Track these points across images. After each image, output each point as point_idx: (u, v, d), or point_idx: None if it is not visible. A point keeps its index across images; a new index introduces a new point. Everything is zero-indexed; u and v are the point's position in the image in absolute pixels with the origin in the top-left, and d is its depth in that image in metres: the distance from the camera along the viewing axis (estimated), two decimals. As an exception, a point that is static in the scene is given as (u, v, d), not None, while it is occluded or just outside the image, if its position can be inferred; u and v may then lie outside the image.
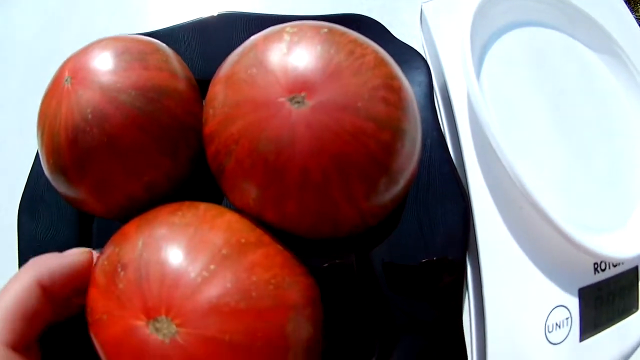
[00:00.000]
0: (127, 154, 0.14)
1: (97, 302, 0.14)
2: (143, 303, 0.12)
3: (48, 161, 0.15)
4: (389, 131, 0.13)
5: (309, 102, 0.13)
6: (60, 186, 0.16)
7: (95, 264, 0.15)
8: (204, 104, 0.15)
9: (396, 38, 0.19)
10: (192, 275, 0.12)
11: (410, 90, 0.15)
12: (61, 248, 0.16)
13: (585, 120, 0.20)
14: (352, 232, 0.15)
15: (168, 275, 0.12)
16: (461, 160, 0.19)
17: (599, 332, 0.19)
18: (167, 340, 0.12)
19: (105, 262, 0.14)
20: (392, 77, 0.14)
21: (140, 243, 0.13)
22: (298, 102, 0.13)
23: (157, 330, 0.12)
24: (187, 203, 0.15)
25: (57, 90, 0.15)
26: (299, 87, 0.13)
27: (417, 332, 0.17)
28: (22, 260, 0.20)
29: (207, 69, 0.18)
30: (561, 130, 0.19)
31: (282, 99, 0.13)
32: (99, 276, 0.14)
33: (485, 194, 0.18)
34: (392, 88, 0.14)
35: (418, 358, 0.17)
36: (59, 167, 0.15)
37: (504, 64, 0.20)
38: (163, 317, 0.12)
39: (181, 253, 0.13)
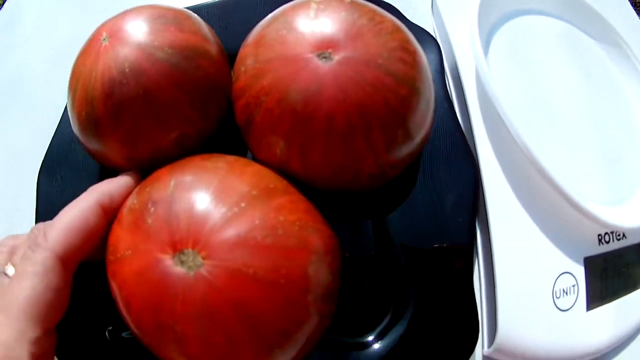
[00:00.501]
0: (161, 106, 0.16)
1: (122, 240, 0.14)
2: (170, 236, 0.13)
3: (79, 115, 0.16)
4: (406, 87, 0.15)
5: (335, 57, 0.14)
6: (90, 139, 0.17)
7: (122, 206, 0.15)
8: (233, 65, 0.17)
9: (409, 20, 0.21)
10: (222, 210, 0.13)
11: (424, 56, 0.16)
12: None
13: (589, 100, 0.21)
14: (371, 185, 0.16)
15: (197, 210, 0.13)
16: (470, 133, 0.20)
17: (606, 303, 0.20)
18: (191, 273, 0.13)
19: (135, 201, 0.15)
20: (408, 41, 0.16)
21: (172, 183, 0.14)
22: (325, 58, 0.14)
23: (182, 263, 0.13)
24: (217, 154, 0.16)
25: (93, 49, 0.16)
26: (326, 45, 0.14)
27: (429, 293, 0.18)
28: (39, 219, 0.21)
29: (230, 45, 0.19)
30: (566, 108, 0.21)
31: (310, 55, 0.14)
32: (126, 215, 0.15)
33: (494, 164, 0.20)
34: (408, 51, 0.15)
35: (430, 318, 0.18)
36: (92, 119, 0.16)
37: (509, 47, 0.21)
38: (189, 250, 0.13)
39: (212, 192, 0.14)
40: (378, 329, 0.18)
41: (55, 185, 0.21)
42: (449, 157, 0.19)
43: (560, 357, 0.19)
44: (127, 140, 0.16)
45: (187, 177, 0.14)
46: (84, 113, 0.16)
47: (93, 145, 0.17)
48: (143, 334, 0.14)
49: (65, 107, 0.22)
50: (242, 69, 0.16)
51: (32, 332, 0.14)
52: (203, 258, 0.13)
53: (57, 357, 0.19)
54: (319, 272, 0.14)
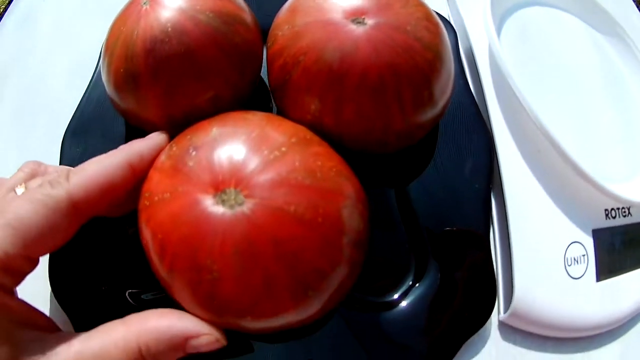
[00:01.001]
0: (202, 65, 0.17)
1: (159, 184, 0.15)
2: (212, 177, 0.14)
3: (117, 71, 0.17)
4: (431, 52, 0.16)
5: (368, 22, 0.16)
6: (126, 96, 0.18)
7: (157, 158, 0.16)
8: (268, 33, 0.18)
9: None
10: (264, 153, 0.14)
11: (444, 29, 0.18)
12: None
13: (594, 84, 0.23)
14: (396, 144, 0.17)
15: (240, 153, 0.14)
16: (485, 108, 0.22)
17: (614, 276, 0.21)
18: (232, 211, 0.13)
19: (175, 148, 0.15)
20: (431, 14, 0.18)
21: (214, 130, 0.15)
22: (359, 22, 0.16)
23: (223, 202, 0.13)
24: (253, 110, 0.17)
25: (133, 12, 0.17)
26: (359, 12, 0.16)
27: (448, 258, 0.19)
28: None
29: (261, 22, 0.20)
30: (575, 88, 0.23)
31: (345, 20, 0.16)
32: (164, 161, 0.15)
33: (508, 137, 0.21)
34: (432, 21, 0.17)
35: (449, 282, 0.19)
36: (130, 75, 0.17)
37: (519, 35, 0.24)
38: (231, 189, 0.13)
39: (254, 138, 0.15)
40: (399, 292, 0.19)
41: (79, 150, 0.22)
42: (464, 128, 0.21)
43: (572, 325, 0.20)
44: (164, 96, 0.17)
45: (229, 126, 0.15)
46: (122, 70, 0.17)
47: (128, 102, 0.18)
48: (176, 278, 0.14)
49: (93, 74, 0.23)
50: (279, 33, 0.17)
51: (8, 246, 0.14)
52: (245, 197, 0.13)
53: (75, 322, 0.19)
54: (352, 217, 0.14)
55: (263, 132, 0.15)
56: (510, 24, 0.24)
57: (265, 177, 0.14)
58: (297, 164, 0.14)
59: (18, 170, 0.17)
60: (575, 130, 0.22)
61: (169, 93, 0.17)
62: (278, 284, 0.13)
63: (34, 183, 0.16)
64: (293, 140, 0.15)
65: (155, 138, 0.17)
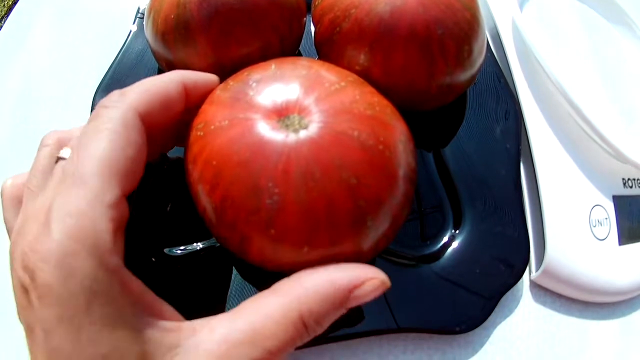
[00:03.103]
0: (253, 13, 0.19)
1: (217, 114, 0.15)
2: (276, 104, 0.15)
3: (167, 18, 0.19)
4: (470, 12, 0.19)
5: (415, -19, 0.18)
6: (175, 44, 0.19)
7: (211, 93, 0.16)
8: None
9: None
10: (326, 85, 0.16)
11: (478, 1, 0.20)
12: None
13: (617, 57, 0.26)
14: (437, 99, 0.20)
15: (303, 84, 0.15)
16: (510, 78, 0.24)
17: (634, 242, 0.23)
18: (295, 135, 0.14)
19: (231, 83, 0.16)
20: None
21: (273, 66, 0.16)
22: (406, -19, 0.18)
23: (286, 126, 0.14)
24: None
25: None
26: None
27: (483, 216, 0.21)
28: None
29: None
30: (596, 63, 0.26)
31: (393, -22, 0.18)
32: (220, 94, 0.16)
33: (533, 104, 0.24)
34: (469, -12, 0.20)
35: (485, 239, 0.21)
36: (182, 21, 0.19)
37: (538, 15, 0.27)
38: (295, 114, 0.14)
39: (313, 73, 0.16)
40: (436, 246, 0.21)
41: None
42: (492, 96, 0.24)
43: (598, 288, 0.22)
44: (216, 42, 0.19)
45: (287, 65, 0.17)
46: (173, 16, 0.19)
47: (177, 51, 0.19)
48: (229, 207, 0.14)
49: (128, 37, 0.25)
50: (328, -10, 0.19)
51: (110, 193, 0.12)
52: (309, 122, 0.14)
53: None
54: (406, 151, 0.16)
55: (321, 69, 0.16)
56: (530, 5, 0.27)
57: (328, 104, 0.15)
58: (357, 96, 0.15)
59: (41, 145, 0.16)
60: (597, 101, 0.24)
61: (220, 40, 0.19)
62: (340, 209, 0.14)
63: (66, 152, 0.14)
64: (350, 79, 0.17)
65: (209, 75, 0.17)
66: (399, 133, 0.16)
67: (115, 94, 0.14)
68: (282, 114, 0.15)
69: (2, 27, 0.31)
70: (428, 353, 0.21)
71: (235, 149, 0.14)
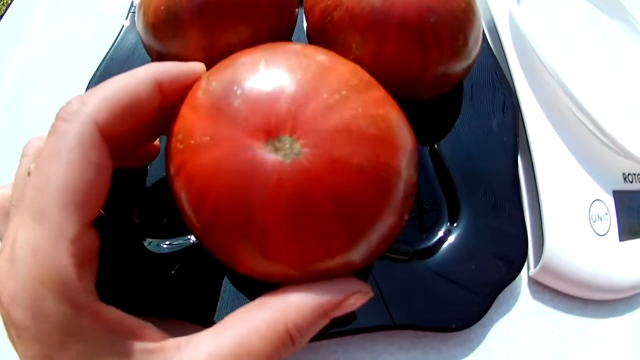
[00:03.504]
0: (243, 1, 0.19)
1: (197, 126, 0.13)
2: (264, 121, 0.13)
3: (158, 9, 0.19)
4: (465, 1, 0.19)
5: (407, -30, 0.18)
6: (166, 33, 0.19)
7: (191, 91, 0.15)
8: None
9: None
10: (324, 96, 0.13)
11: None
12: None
13: (615, 50, 0.26)
14: (432, 89, 0.19)
15: (296, 94, 0.13)
16: (507, 70, 0.24)
17: (635, 238, 0.23)
18: (287, 161, 0.12)
19: (214, 84, 0.14)
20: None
21: (262, 62, 0.14)
22: (398, -30, 0.18)
23: (276, 150, 0.12)
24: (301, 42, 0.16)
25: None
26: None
27: (480, 210, 0.21)
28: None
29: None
30: (594, 56, 0.26)
31: (385, -33, 0.18)
32: (202, 98, 0.14)
33: (531, 96, 0.24)
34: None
35: (482, 234, 0.20)
36: (172, 12, 0.19)
37: (535, 7, 0.26)
38: (287, 136, 0.12)
39: (311, 76, 0.13)
40: (432, 241, 0.21)
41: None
42: (489, 88, 0.23)
43: (598, 285, 0.22)
44: (206, 33, 0.19)
45: (279, 59, 0.14)
46: (162, 7, 0.19)
47: (167, 42, 0.19)
48: (216, 231, 0.13)
49: (120, 31, 0.25)
50: (320, -21, 0.19)
51: (70, 227, 0.12)
52: (302, 146, 0.12)
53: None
54: (409, 168, 0.14)
55: (319, 69, 0.14)
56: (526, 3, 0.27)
57: (324, 123, 0.13)
58: (359, 110, 0.13)
59: (22, 155, 0.15)
60: (596, 94, 0.24)
61: (210, 31, 0.19)
62: (332, 237, 0.13)
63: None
64: (353, 82, 0.14)
65: (191, 66, 0.15)
66: (403, 151, 0.14)
67: (75, 102, 0.13)
68: (271, 134, 0.13)
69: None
70: (423, 351, 0.20)
71: (219, 174, 0.13)
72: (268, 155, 0.13)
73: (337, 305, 0.13)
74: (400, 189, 0.14)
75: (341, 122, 0.13)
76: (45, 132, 0.13)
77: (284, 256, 0.13)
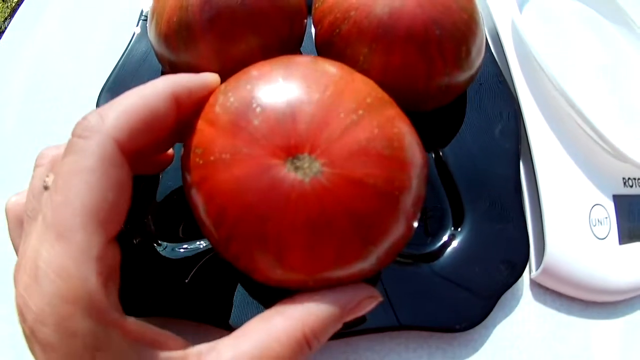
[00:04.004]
0: (255, 15, 0.19)
1: (216, 142, 0.14)
2: (285, 140, 0.13)
3: (170, 20, 0.20)
4: (467, 14, 0.20)
5: (413, -16, 0.19)
6: (177, 45, 0.20)
7: (208, 104, 0.15)
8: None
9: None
10: (342, 116, 0.14)
11: (477, 2, 0.21)
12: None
13: (615, 58, 0.27)
14: (436, 99, 0.20)
15: (316, 114, 0.13)
16: (510, 78, 0.25)
17: (635, 242, 0.24)
18: (307, 180, 0.13)
19: (232, 99, 0.14)
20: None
21: (280, 80, 0.14)
22: (404, -17, 0.19)
23: (296, 169, 0.13)
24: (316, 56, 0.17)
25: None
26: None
27: (483, 215, 0.21)
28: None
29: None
30: (596, 63, 0.26)
31: (392, -19, 0.19)
32: (220, 114, 0.14)
33: (533, 104, 0.24)
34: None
35: (484, 238, 0.21)
36: (184, 24, 0.20)
37: (538, 16, 0.27)
38: (306, 154, 0.13)
39: (329, 96, 0.14)
40: (435, 245, 0.21)
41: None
42: (492, 95, 0.24)
43: (599, 287, 0.23)
44: (218, 45, 0.19)
45: (297, 76, 0.14)
46: (175, 18, 0.19)
47: (179, 53, 0.20)
48: (235, 245, 0.14)
49: (132, 38, 0.25)
50: (328, -8, 0.20)
51: (94, 246, 0.12)
52: (321, 165, 0.13)
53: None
54: (420, 184, 0.15)
55: (337, 87, 0.14)
56: (529, 6, 0.27)
57: (342, 144, 0.13)
58: (375, 131, 0.14)
59: (35, 165, 0.15)
60: (596, 101, 0.25)
61: (221, 42, 0.19)
62: (347, 256, 0.14)
63: (51, 180, 0.14)
64: (368, 100, 0.14)
65: (207, 77, 0.15)
66: (416, 169, 0.15)
67: (93, 118, 0.13)
68: (291, 153, 0.13)
69: (6, 28, 0.32)
70: (429, 351, 0.21)
71: (240, 192, 0.13)
72: (288, 174, 0.13)
73: (351, 310, 0.14)
74: (411, 204, 0.15)
75: (358, 143, 0.13)
76: (54, 137, 0.14)
77: (300, 268, 0.14)
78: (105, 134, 0.13)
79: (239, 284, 0.20)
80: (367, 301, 0.15)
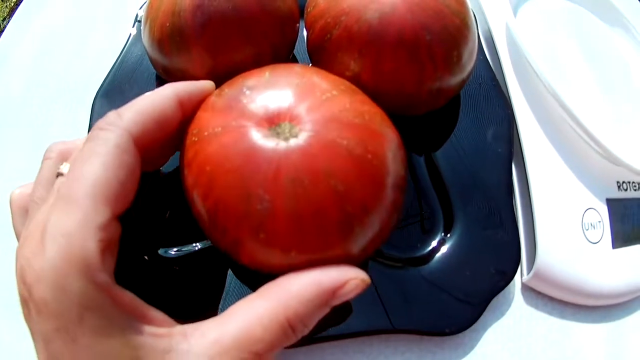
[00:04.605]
0: (246, 21, 0.20)
1: (210, 120, 0.16)
2: (267, 112, 0.15)
3: (163, 26, 0.20)
4: (459, 18, 0.20)
5: (404, -12, 0.19)
6: (170, 51, 0.20)
7: (205, 101, 0.17)
8: (307, 1, 0.21)
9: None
10: (317, 94, 0.16)
11: (469, 5, 0.21)
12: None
13: (602, 65, 0.27)
14: (427, 104, 0.20)
15: (295, 92, 0.16)
16: (503, 82, 0.25)
17: (629, 246, 0.24)
18: (286, 143, 0.15)
19: (226, 89, 0.17)
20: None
21: (267, 74, 0.17)
22: (395, -12, 0.19)
23: (277, 134, 0.15)
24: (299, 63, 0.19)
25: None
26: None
27: (475, 217, 0.22)
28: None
29: None
30: (589, 67, 0.26)
31: (382, -15, 0.19)
32: (215, 101, 0.17)
33: (526, 108, 0.25)
34: (459, -6, 0.20)
35: (475, 242, 0.21)
36: (177, 29, 0.20)
37: (532, 19, 0.27)
38: (287, 122, 0.15)
39: (306, 82, 0.17)
40: (427, 249, 0.21)
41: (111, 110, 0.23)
42: (485, 99, 0.24)
43: (591, 291, 0.23)
44: (209, 50, 0.20)
45: (281, 70, 0.17)
46: (168, 24, 0.20)
47: (172, 58, 0.20)
48: (221, 211, 0.15)
49: (127, 40, 0.26)
50: (320, -2, 0.20)
51: (100, 216, 0.13)
52: (299, 130, 0.15)
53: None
54: (395, 159, 0.16)
55: (313, 77, 0.17)
56: (524, 9, 0.27)
57: (318, 113, 0.15)
58: (347, 105, 0.16)
59: (44, 157, 0.17)
60: (589, 104, 0.25)
61: (214, 47, 0.20)
62: (327, 216, 0.14)
63: (65, 168, 0.15)
64: (341, 87, 0.17)
65: (204, 83, 0.17)
66: (388, 141, 0.16)
67: (112, 115, 0.15)
68: (273, 122, 0.15)
69: (5, 28, 0.32)
70: (419, 355, 0.21)
71: (227, 156, 0.15)
72: (270, 139, 0.15)
73: (336, 292, 0.14)
74: (387, 176, 0.16)
75: (331, 113, 0.16)
76: (51, 138, 0.15)
77: (283, 233, 0.15)
78: (121, 127, 0.15)
79: (229, 281, 0.20)
80: (354, 282, 0.14)
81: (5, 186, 0.25)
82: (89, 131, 0.23)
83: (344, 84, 0.17)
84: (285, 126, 0.15)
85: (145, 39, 0.21)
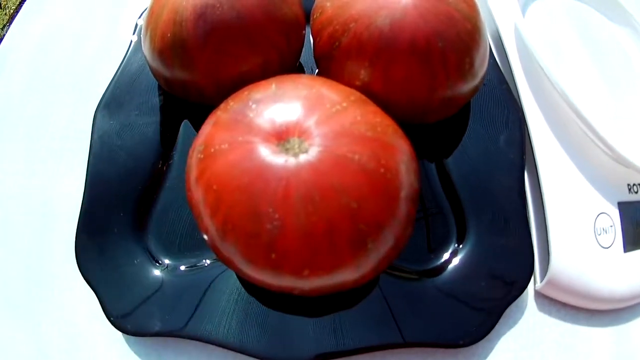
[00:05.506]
0: (250, 30, 0.19)
1: (216, 136, 0.15)
2: (275, 127, 0.15)
3: (164, 36, 0.19)
4: (470, 23, 0.19)
5: (415, -7, 0.18)
6: (172, 61, 0.19)
7: (210, 115, 0.17)
8: (315, 5, 0.20)
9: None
10: (327, 107, 0.16)
11: (479, 9, 0.20)
12: (136, 145, 0.19)
13: (620, 62, 0.26)
14: (439, 112, 0.20)
15: (302, 106, 0.15)
16: (514, 85, 0.24)
17: (639, 248, 0.24)
18: (295, 159, 0.14)
19: (232, 103, 0.16)
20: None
21: (273, 86, 0.17)
22: (405, -7, 0.18)
23: (286, 150, 0.14)
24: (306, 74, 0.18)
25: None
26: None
27: (487, 227, 0.21)
28: (92, 157, 0.22)
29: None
30: (599, 68, 0.26)
31: (392, -10, 0.18)
32: (220, 115, 0.16)
33: (537, 112, 0.24)
34: (471, -2, 0.20)
35: (488, 250, 0.21)
36: (178, 39, 0.19)
37: (541, 20, 0.27)
38: (295, 138, 0.15)
39: (315, 93, 0.16)
40: (439, 260, 0.21)
41: (113, 122, 0.23)
42: (496, 104, 0.24)
43: (604, 296, 0.22)
44: (213, 60, 0.19)
45: (288, 82, 0.17)
46: (169, 34, 0.19)
47: (174, 68, 0.19)
48: (230, 231, 0.15)
49: (128, 48, 0.25)
50: (327, 4, 0.19)
51: None
52: (309, 145, 0.15)
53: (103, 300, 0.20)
54: (409, 172, 0.16)
55: (322, 89, 0.16)
56: (532, 9, 0.27)
57: (328, 127, 0.15)
58: (358, 117, 0.15)
59: None
60: (598, 105, 0.24)
61: (217, 57, 0.19)
62: (340, 233, 0.14)
63: None
64: (352, 98, 0.16)
65: None
66: (401, 154, 0.16)
67: None
68: (282, 137, 0.15)
69: (4, 36, 0.31)
70: (432, 366, 0.21)
71: (235, 174, 0.14)
72: (279, 155, 0.14)
73: None
74: (401, 189, 0.15)
75: (341, 126, 0.15)
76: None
77: (294, 251, 0.14)
78: None
79: (241, 304, 0.19)
80: None
81: (5, 186, 0.24)
82: (90, 142, 0.23)
83: (354, 94, 0.17)
84: (295, 141, 0.15)
85: (145, 49, 0.21)
